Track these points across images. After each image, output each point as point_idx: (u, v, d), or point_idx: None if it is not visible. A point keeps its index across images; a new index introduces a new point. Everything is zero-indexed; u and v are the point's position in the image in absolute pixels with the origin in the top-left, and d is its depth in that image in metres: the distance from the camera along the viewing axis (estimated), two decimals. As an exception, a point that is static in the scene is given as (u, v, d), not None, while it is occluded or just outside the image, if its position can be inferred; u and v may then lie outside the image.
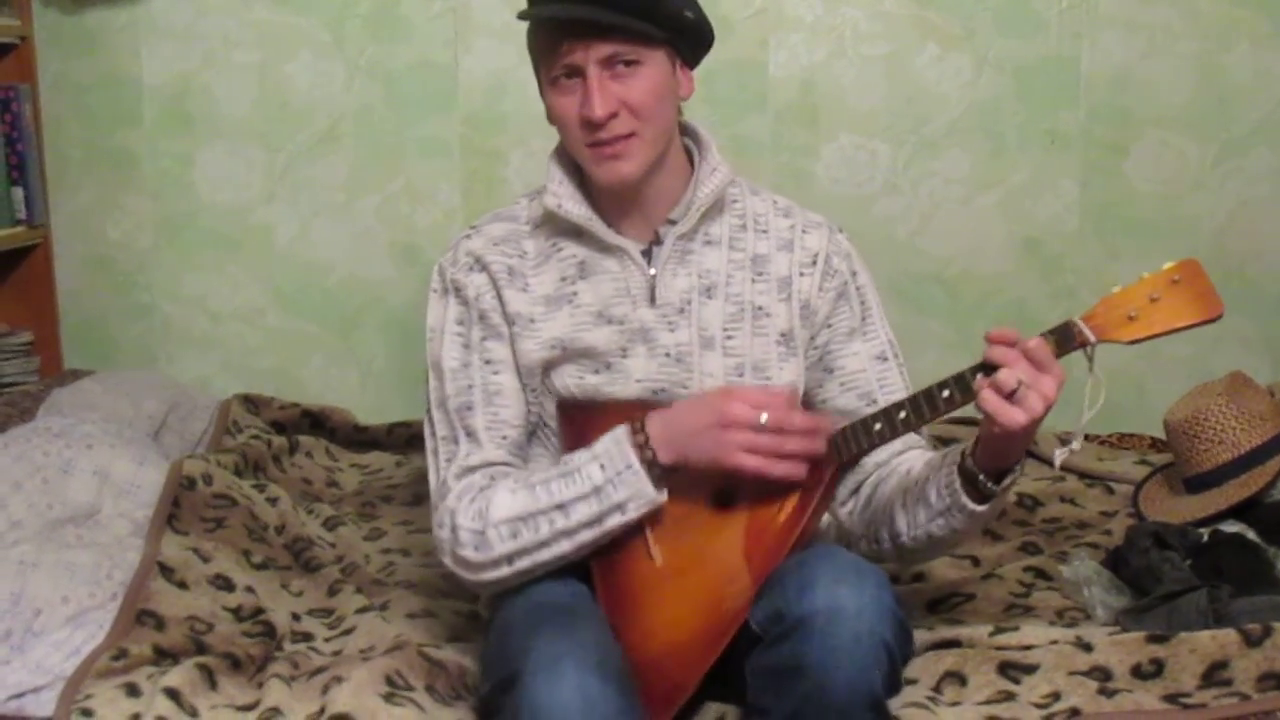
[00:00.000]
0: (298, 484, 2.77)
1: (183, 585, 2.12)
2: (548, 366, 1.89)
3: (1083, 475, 2.69)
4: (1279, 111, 3.06)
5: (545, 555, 1.77)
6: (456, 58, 3.11)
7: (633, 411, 1.81)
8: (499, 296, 1.89)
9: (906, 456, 1.92)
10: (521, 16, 1.82)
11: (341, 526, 2.54)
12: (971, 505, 1.74)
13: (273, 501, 2.49)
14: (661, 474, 1.75)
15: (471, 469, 1.85)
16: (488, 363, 1.89)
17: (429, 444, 1.92)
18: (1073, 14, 3.04)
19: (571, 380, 1.88)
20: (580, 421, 1.87)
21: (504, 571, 1.79)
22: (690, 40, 1.87)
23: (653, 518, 1.78)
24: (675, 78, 1.86)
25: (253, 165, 3.19)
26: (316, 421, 3.09)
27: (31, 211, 3.09)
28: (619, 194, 1.87)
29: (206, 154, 3.20)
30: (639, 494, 1.74)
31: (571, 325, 1.87)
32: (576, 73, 1.78)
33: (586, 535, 1.76)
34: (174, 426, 2.85)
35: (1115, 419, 3.06)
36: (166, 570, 2.13)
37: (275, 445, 2.85)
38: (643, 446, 1.74)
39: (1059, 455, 1.71)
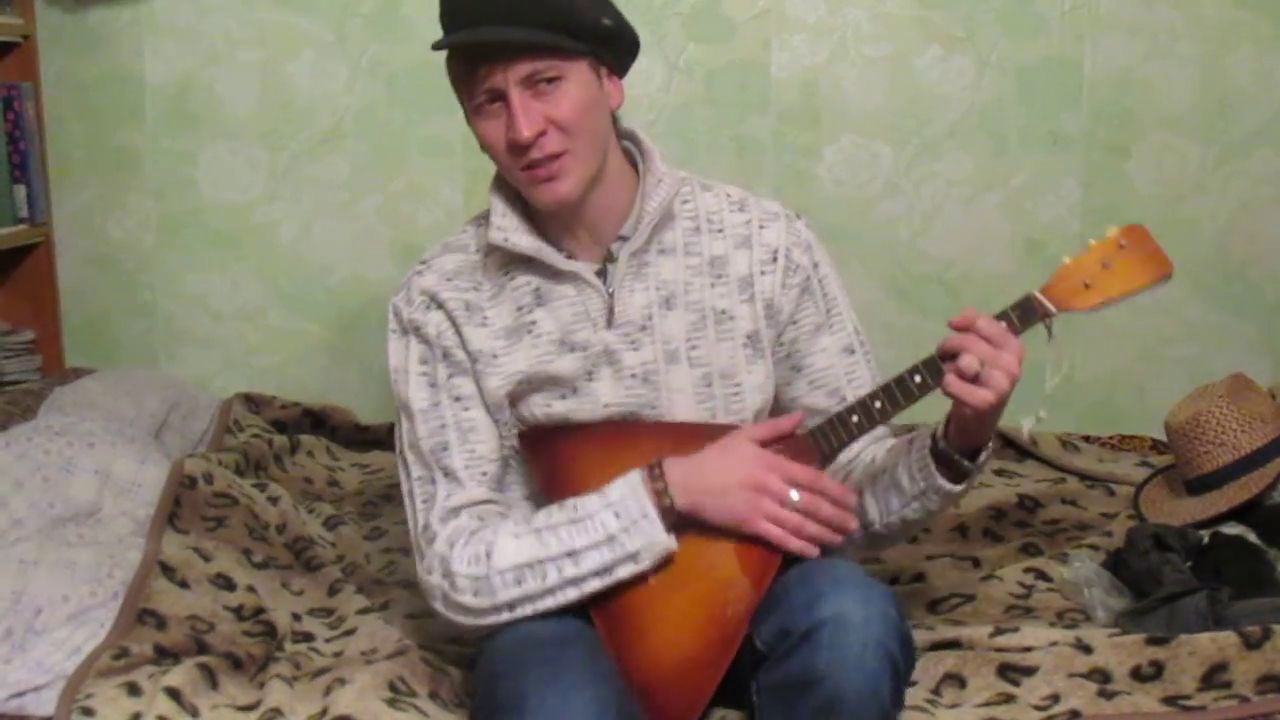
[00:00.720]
0: (299, 483, 2.77)
1: (184, 584, 2.11)
2: (513, 399, 1.85)
3: (1084, 477, 2.69)
4: (1281, 114, 3.07)
5: (549, 602, 1.73)
6: (459, 57, 3.10)
7: (603, 433, 1.79)
8: (459, 334, 1.85)
9: (867, 448, 1.93)
10: (436, 47, 1.76)
11: (342, 526, 2.54)
12: (947, 486, 1.76)
13: (274, 501, 2.49)
14: (674, 520, 1.72)
15: (455, 510, 1.80)
16: (457, 399, 1.84)
17: (404, 486, 1.87)
18: (1075, 16, 3.04)
19: (539, 409, 1.84)
20: (549, 449, 1.85)
21: (503, 617, 1.74)
22: (613, 48, 1.82)
23: None
24: (603, 88, 1.80)
25: (255, 164, 3.19)
26: (318, 421, 3.09)
27: (33, 210, 3.09)
28: (563, 216, 1.83)
29: (209, 153, 3.20)
30: (653, 543, 1.70)
31: (535, 356, 1.83)
32: (498, 96, 1.73)
33: (595, 584, 1.72)
34: (175, 425, 2.85)
35: (1116, 420, 3.07)
36: (167, 569, 2.13)
37: (276, 444, 2.85)
38: (660, 493, 1.71)
39: (1026, 425, 1.75)
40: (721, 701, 1.74)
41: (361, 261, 3.21)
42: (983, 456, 1.77)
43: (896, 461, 1.82)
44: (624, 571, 1.71)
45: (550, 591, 1.72)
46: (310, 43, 3.14)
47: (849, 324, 1.94)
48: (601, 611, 1.75)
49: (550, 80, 1.73)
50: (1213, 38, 3.04)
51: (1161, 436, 2.55)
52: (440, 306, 1.86)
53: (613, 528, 1.71)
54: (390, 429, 3.06)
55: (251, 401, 3.06)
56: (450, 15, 1.74)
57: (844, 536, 1.74)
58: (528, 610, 1.74)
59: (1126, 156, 3.10)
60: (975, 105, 3.08)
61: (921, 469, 1.77)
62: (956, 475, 1.77)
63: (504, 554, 1.73)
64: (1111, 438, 2.97)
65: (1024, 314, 1.70)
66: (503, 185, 1.88)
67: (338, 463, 2.96)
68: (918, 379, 1.71)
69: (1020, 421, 1.76)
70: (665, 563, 1.73)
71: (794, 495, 1.70)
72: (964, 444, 1.75)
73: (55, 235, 3.21)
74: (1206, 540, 2.19)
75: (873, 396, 1.75)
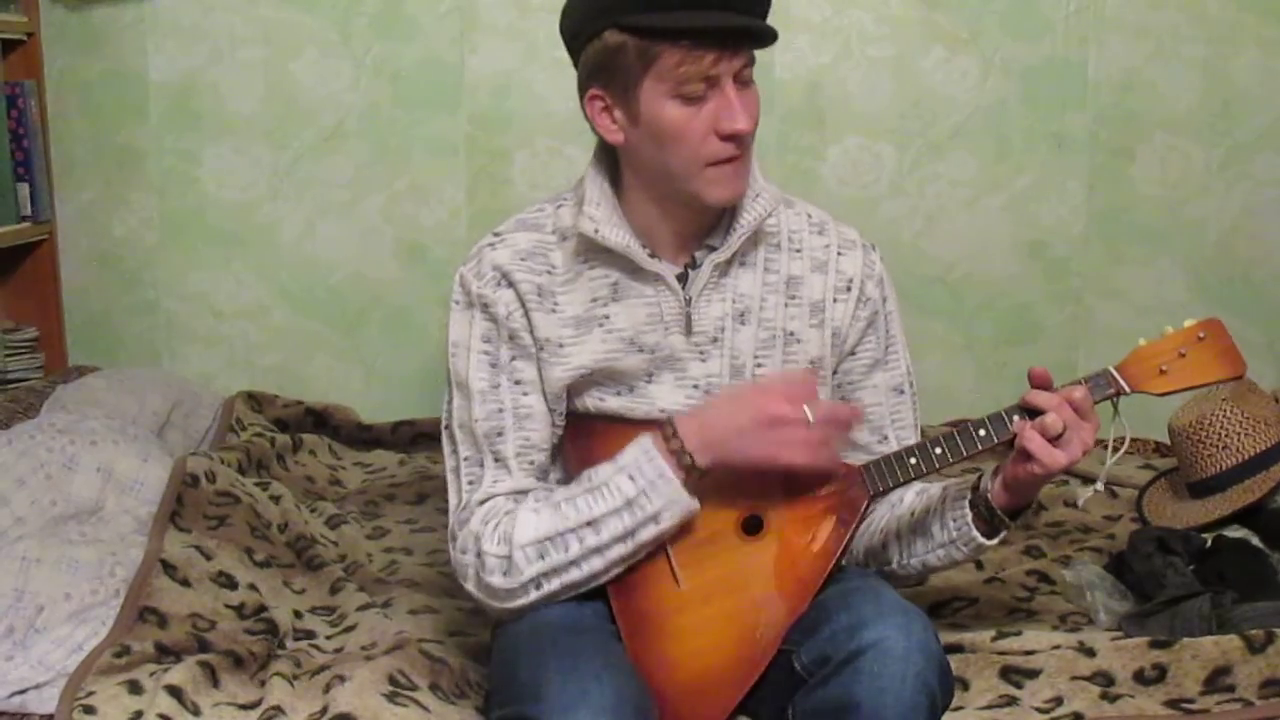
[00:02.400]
0: (301, 482, 2.77)
1: (185, 583, 2.11)
2: (571, 389, 1.83)
3: (1086, 479, 2.68)
4: (1285, 116, 3.07)
5: (575, 575, 1.72)
6: (463, 57, 3.11)
7: (641, 430, 1.77)
8: (528, 317, 1.80)
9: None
10: (669, 24, 1.66)
11: (344, 525, 2.54)
12: (980, 539, 1.76)
13: (276, 499, 2.49)
14: (696, 481, 1.71)
15: (495, 495, 1.79)
16: (517, 383, 1.81)
17: (449, 461, 1.84)
18: (1080, 17, 3.04)
19: (592, 402, 1.82)
20: (588, 435, 1.84)
21: (532, 596, 1.73)
22: None
23: (677, 539, 1.74)
24: None
25: (258, 163, 3.19)
26: (320, 419, 3.09)
27: (37, 208, 3.08)
28: (662, 215, 1.79)
29: (212, 151, 3.20)
30: (673, 502, 1.69)
31: (602, 351, 1.80)
32: (712, 83, 1.68)
33: (619, 550, 1.71)
34: (178, 423, 2.85)
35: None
36: (169, 567, 2.13)
37: (279, 443, 2.85)
38: (679, 453, 1.70)
39: (1083, 497, 1.86)
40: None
41: (364, 260, 3.21)
42: (1022, 517, 1.78)
43: (929, 507, 1.82)
44: (646, 534, 1.70)
45: (574, 563, 1.71)
46: (314, 41, 3.13)
47: (903, 364, 1.93)
48: (626, 611, 1.74)
49: (750, 76, 1.72)
50: (1217, 40, 3.04)
51: (1165, 439, 2.55)
52: (512, 285, 1.80)
53: (630, 491, 1.69)
54: (393, 428, 3.07)
55: (254, 400, 3.06)
56: None
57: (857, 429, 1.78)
58: (555, 586, 1.72)
59: (1130, 159, 3.10)
60: (979, 107, 3.08)
61: (957, 519, 1.77)
62: (990, 530, 1.77)
63: (525, 529, 1.72)
64: (1115, 440, 2.96)
65: (1097, 386, 1.73)
66: (601, 172, 1.82)
67: (340, 461, 2.96)
68: (982, 433, 1.73)
69: (1078, 491, 1.79)
70: (696, 563, 1.73)
71: (810, 415, 1.69)
72: (1009, 502, 1.75)
73: (58, 233, 3.20)
74: (1210, 543, 2.19)
75: (934, 443, 1.75)
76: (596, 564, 1.71)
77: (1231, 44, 3.04)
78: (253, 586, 2.17)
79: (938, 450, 1.75)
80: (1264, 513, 2.25)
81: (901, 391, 1.92)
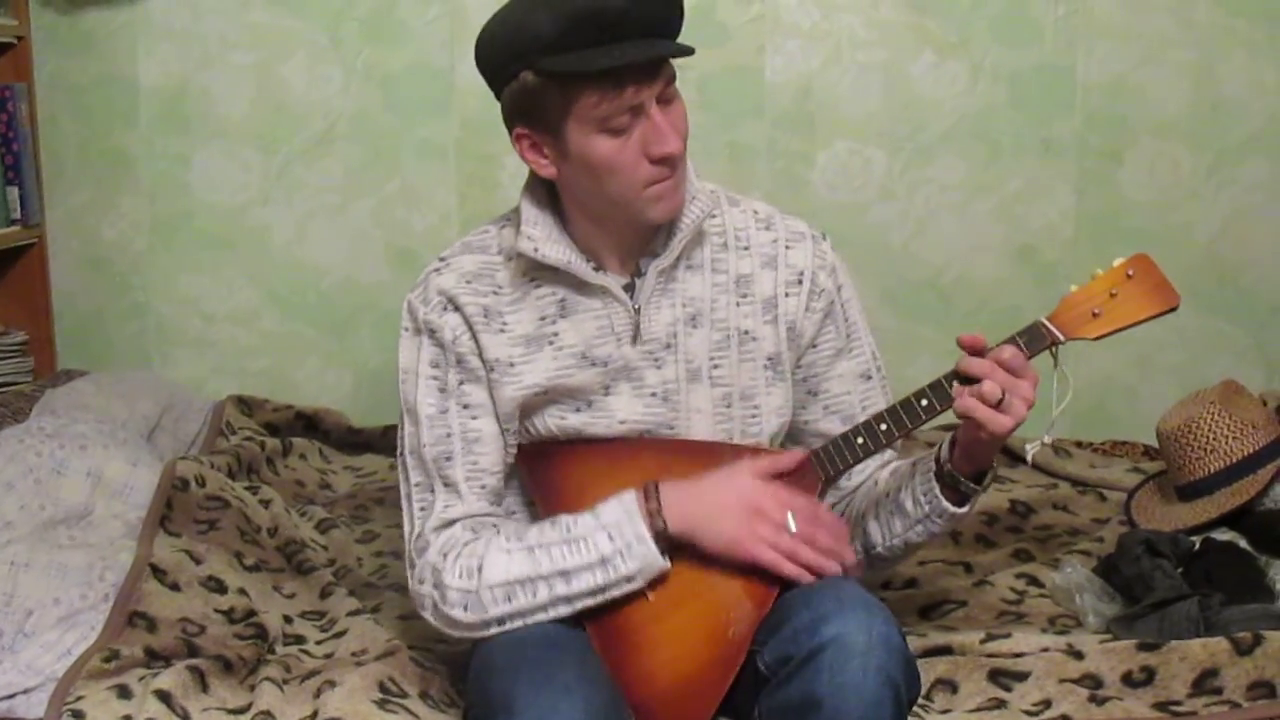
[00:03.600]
0: (291, 486, 2.77)
1: (175, 587, 2.11)
2: (526, 410, 1.82)
3: (1075, 482, 2.69)
4: (1273, 122, 3.07)
5: (540, 617, 1.72)
6: (453, 61, 3.11)
7: (605, 448, 1.78)
8: (475, 340, 1.80)
9: (870, 471, 1.93)
10: (580, 67, 1.63)
11: (334, 529, 2.54)
12: (952, 508, 1.77)
13: (265, 504, 2.49)
14: (667, 543, 1.71)
15: (451, 522, 1.78)
16: (466, 407, 1.80)
17: (402, 488, 1.84)
18: (1068, 22, 3.05)
19: (553, 421, 1.81)
20: (549, 462, 1.83)
21: (491, 631, 1.72)
22: None
23: None
24: None
25: (249, 167, 3.19)
26: (310, 423, 3.09)
27: (26, 211, 3.08)
28: (600, 230, 1.79)
29: (203, 155, 3.20)
30: (648, 566, 1.69)
31: (554, 368, 1.79)
32: (638, 112, 1.67)
33: (588, 601, 1.71)
34: (168, 428, 2.85)
35: (1108, 426, 3.08)
36: (159, 572, 2.13)
37: (269, 447, 2.85)
38: (654, 514, 1.70)
39: (1031, 449, 1.79)
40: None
41: (355, 265, 3.21)
42: (987, 479, 1.78)
43: (900, 485, 1.82)
44: (618, 592, 1.71)
45: (542, 608, 1.71)
46: (304, 46, 3.14)
47: (867, 349, 1.93)
48: (598, 628, 1.74)
49: (673, 93, 1.70)
50: (1205, 45, 3.05)
51: (1153, 442, 2.56)
52: (458, 309, 1.80)
53: (606, 550, 1.69)
54: (383, 432, 3.07)
55: (244, 404, 3.06)
56: (594, 29, 1.63)
57: (841, 568, 1.73)
58: (518, 624, 1.72)
59: (1119, 163, 3.11)
60: (969, 111, 3.09)
61: (926, 492, 1.78)
62: (960, 498, 1.77)
63: (495, 569, 1.72)
64: (1103, 443, 2.97)
65: (1032, 340, 1.72)
66: (534, 192, 1.82)
67: (330, 465, 2.96)
68: (924, 403, 1.72)
69: (1025, 445, 1.78)
70: (662, 580, 1.72)
71: (791, 522, 1.70)
72: (969, 468, 1.76)
73: (48, 236, 3.20)
74: (1198, 546, 2.19)
75: (878, 419, 1.75)
76: (563, 610, 1.72)
77: (1219, 49, 3.05)
78: (242, 591, 2.17)
79: (883, 426, 1.75)
80: (1252, 516, 2.26)
81: (869, 377, 1.92)
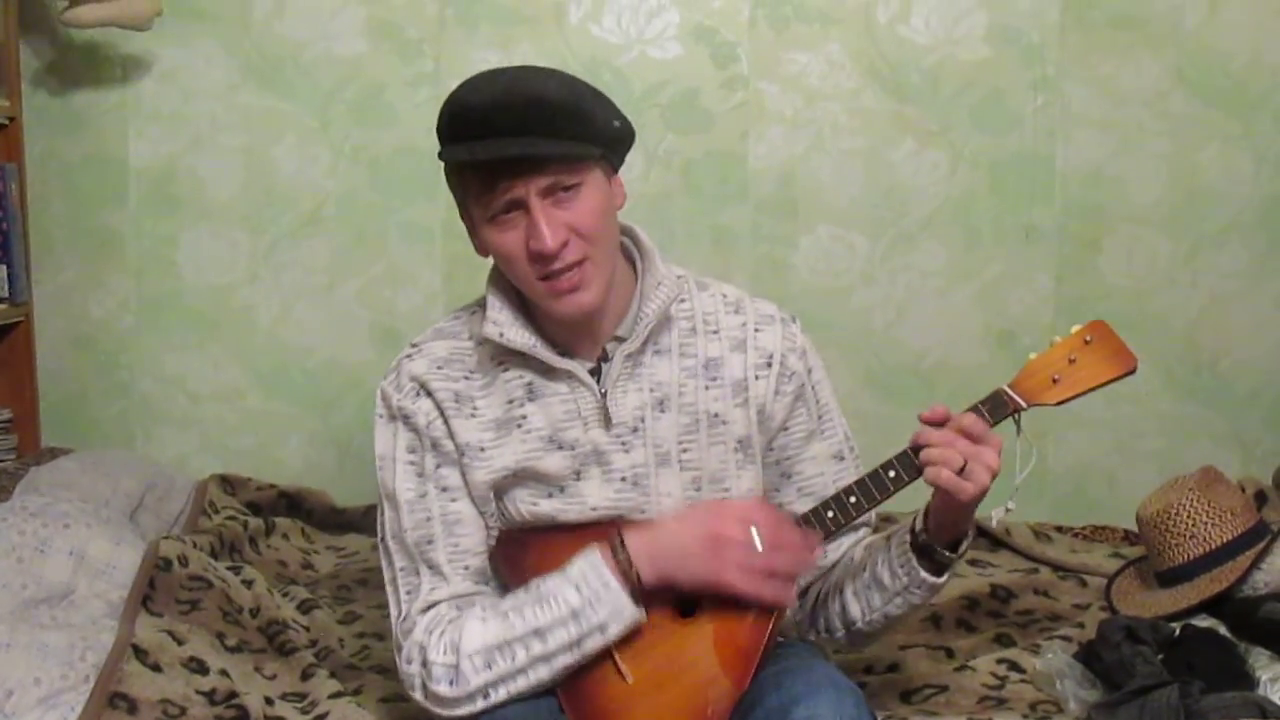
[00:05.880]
0: (273, 566, 2.76)
1: (156, 668, 2.10)
2: (499, 491, 1.84)
3: (1056, 567, 2.70)
4: (1249, 209, 3.12)
5: (522, 683, 1.72)
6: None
7: (580, 533, 1.78)
8: (447, 425, 1.82)
9: (846, 547, 1.94)
10: (448, 158, 1.74)
11: (316, 610, 2.53)
12: (930, 578, 1.79)
13: (248, 584, 2.48)
14: (640, 592, 1.72)
15: (436, 603, 1.80)
16: (444, 490, 1.83)
17: (386, 574, 1.86)
18: (1046, 112, 3.10)
19: (524, 506, 1.82)
20: (523, 549, 1.83)
21: (479, 704, 1.73)
22: (619, 149, 1.81)
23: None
24: (611, 190, 1.79)
25: (236, 247, 3.21)
26: (294, 503, 3.08)
27: (14, 289, 3.09)
28: (549, 318, 1.81)
29: (190, 235, 3.22)
30: (619, 612, 1.70)
31: (522, 452, 1.81)
32: (517, 206, 1.71)
33: (565, 659, 1.71)
34: (151, 506, 2.84)
35: (1088, 511, 3.09)
36: (140, 652, 2.12)
37: (252, 527, 2.84)
38: (627, 567, 1.71)
39: (996, 515, 1.82)
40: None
41: (340, 345, 3.23)
42: (962, 547, 1.79)
43: (876, 558, 1.84)
44: (592, 644, 1.71)
45: (521, 671, 1.72)
46: (293, 127, 3.17)
47: (840, 430, 1.95)
48: (579, 712, 1.74)
49: (569, 188, 1.71)
50: (1181, 135, 3.10)
51: (1133, 527, 2.57)
52: (430, 395, 1.83)
53: (575, 602, 1.70)
54: (366, 512, 3.06)
55: (227, 483, 3.06)
56: (463, 125, 1.71)
57: (813, 564, 1.77)
58: (502, 694, 1.72)
59: (1098, 250, 3.15)
60: (949, 198, 3.13)
61: (904, 564, 1.79)
62: (938, 568, 1.79)
63: (472, 638, 1.73)
64: (1084, 528, 2.98)
65: (994, 408, 1.76)
66: (499, 279, 1.85)
67: (313, 545, 2.95)
68: (893, 474, 1.75)
69: (990, 512, 1.80)
70: (639, 634, 1.72)
71: (756, 538, 1.71)
72: (943, 536, 1.77)
73: (35, 314, 3.21)
74: (1178, 633, 2.20)
75: (847, 492, 1.78)
76: (543, 672, 1.72)
77: (1194, 139, 3.10)
78: (224, 672, 2.15)
79: (852, 499, 1.78)
80: (1232, 602, 2.26)
81: (842, 458, 1.94)
